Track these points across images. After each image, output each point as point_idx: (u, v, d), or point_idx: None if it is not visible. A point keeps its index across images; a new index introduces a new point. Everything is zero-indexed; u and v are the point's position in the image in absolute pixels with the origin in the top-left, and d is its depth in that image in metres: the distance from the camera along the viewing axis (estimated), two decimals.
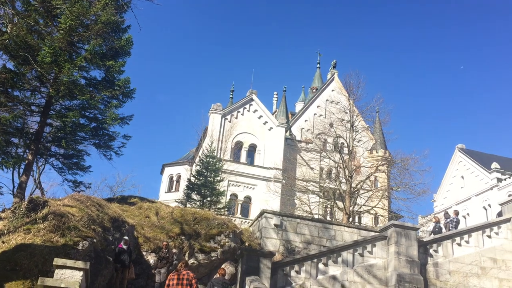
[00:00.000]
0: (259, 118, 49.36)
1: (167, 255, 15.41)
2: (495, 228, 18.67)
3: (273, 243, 17.83)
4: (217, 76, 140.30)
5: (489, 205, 51.43)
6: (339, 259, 16.68)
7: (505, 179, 50.58)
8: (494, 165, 52.57)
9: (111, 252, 14.35)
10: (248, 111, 49.42)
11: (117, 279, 14.25)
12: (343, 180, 32.06)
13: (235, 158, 46.67)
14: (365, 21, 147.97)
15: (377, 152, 48.55)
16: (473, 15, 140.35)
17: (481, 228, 18.82)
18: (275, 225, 17.97)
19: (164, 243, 15.78)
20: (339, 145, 36.37)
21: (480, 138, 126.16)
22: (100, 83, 19.00)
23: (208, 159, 31.61)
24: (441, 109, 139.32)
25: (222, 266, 15.92)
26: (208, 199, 29.45)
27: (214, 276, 13.47)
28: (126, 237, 14.66)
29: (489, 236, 18.48)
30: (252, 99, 49.95)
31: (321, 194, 36.01)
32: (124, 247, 14.26)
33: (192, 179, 32.33)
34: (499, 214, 20.96)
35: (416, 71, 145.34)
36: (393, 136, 66.31)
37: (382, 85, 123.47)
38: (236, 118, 48.52)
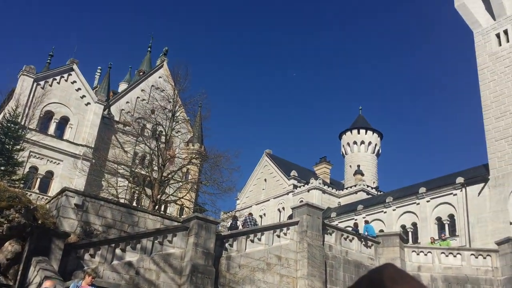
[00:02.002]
0: (77, 90, 46.09)
1: None
2: (285, 229, 20.62)
3: (70, 223, 16.74)
4: (37, 38, 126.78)
5: (283, 208, 56.78)
6: (138, 246, 16.50)
7: (299, 187, 56.41)
8: (293, 173, 58.25)
9: None
10: (66, 80, 45.75)
11: None
12: (156, 168, 31.90)
13: (43, 128, 42.74)
14: (209, 20, 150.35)
15: (193, 145, 49.55)
16: (297, 25, 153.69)
17: (274, 228, 20.60)
18: (75, 205, 16.89)
19: None
20: (157, 132, 36.11)
21: (287, 146, 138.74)
22: None
23: (9, 125, 28.31)
24: (262, 115, 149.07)
25: (6, 244, 14.37)
26: (2, 168, 26.37)
27: None
28: None
29: (279, 236, 20.32)
30: (72, 69, 46.37)
31: (130, 179, 35.22)
32: None
33: None
34: (290, 217, 23.29)
35: (249, 75, 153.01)
36: (211, 132, 68.68)
37: (213, 82, 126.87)
38: (51, 85, 44.47)
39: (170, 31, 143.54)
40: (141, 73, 59.46)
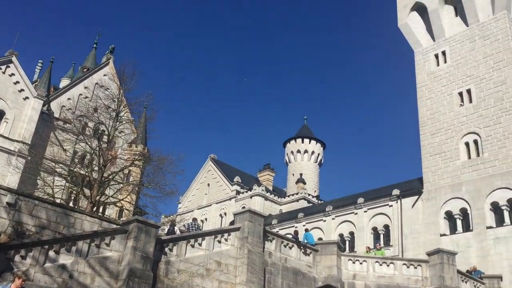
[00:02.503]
0: (15, 83, 44.00)
1: None
2: (226, 235, 20.59)
3: (1, 223, 15.90)
4: None
5: (225, 214, 56.73)
6: (73, 248, 15.93)
7: (242, 193, 56.59)
8: (237, 178, 58.39)
9: None
10: (4, 72, 43.57)
11: None
12: (96, 168, 30.97)
13: None
14: (158, 21, 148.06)
15: (136, 147, 48.55)
16: (251, 31, 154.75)
17: (215, 233, 20.51)
18: (7, 203, 16.07)
19: None
20: (100, 132, 35.11)
21: (232, 152, 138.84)
22: None
23: None
24: (209, 120, 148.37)
25: None
26: None
27: None
28: None
29: (219, 242, 20.26)
30: (11, 61, 44.23)
31: (68, 178, 33.98)
32: None
33: None
34: (232, 222, 23.30)
35: (198, 79, 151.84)
36: (156, 134, 67.57)
37: (161, 85, 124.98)
38: None
39: (118, 29, 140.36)
40: (85, 70, 57.66)
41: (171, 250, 18.63)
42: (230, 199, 57.34)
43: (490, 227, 31.40)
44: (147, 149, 46.26)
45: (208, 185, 61.58)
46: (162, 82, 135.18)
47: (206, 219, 58.59)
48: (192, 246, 19.29)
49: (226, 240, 20.52)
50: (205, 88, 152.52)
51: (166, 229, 25.11)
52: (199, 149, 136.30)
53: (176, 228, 23.29)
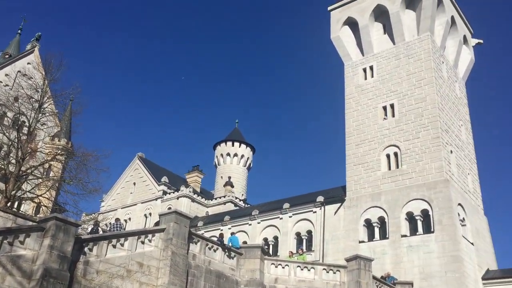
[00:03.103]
0: None
1: None
2: (150, 236, 20.20)
3: None
4: None
5: (150, 214, 55.57)
6: None
7: (169, 193, 55.75)
8: (164, 179, 57.45)
9: None
10: None
11: None
12: (13, 161, 29.23)
13: None
14: (90, 15, 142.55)
15: (59, 141, 46.40)
16: (193, 34, 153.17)
17: (139, 233, 20.05)
18: None
19: None
20: (19, 122, 33.18)
21: (162, 152, 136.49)
22: None
23: None
24: (140, 117, 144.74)
25: None
26: None
27: None
28: None
29: (143, 242, 19.83)
30: None
31: None
32: None
33: None
34: (157, 223, 22.89)
35: (132, 78, 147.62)
36: (82, 129, 64.91)
37: (92, 79, 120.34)
38: None
39: (47, 18, 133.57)
40: (7, 56, 54.35)
41: (91, 250, 17.98)
42: (156, 199, 56.27)
43: (405, 236, 33.19)
44: (71, 143, 44.32)
45: (134, 184, 60.07)
46: (93, 77, 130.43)
47: (130, 218, 57.08)
48: (114, 246, 18.73)
49: (150, 241, 20.13)
50: (138, 86, 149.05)
51: (89, 229, 24.18)
52: (129, 147, 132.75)
53: (99, 227, 22.50)
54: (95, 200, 63.27)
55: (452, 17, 42.28)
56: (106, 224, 24.13)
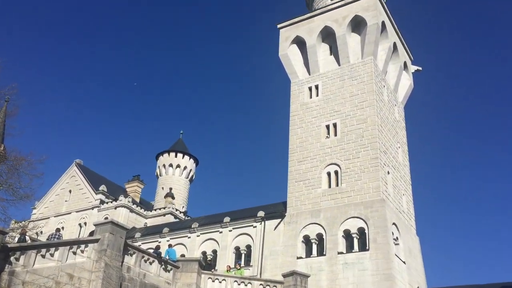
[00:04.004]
0: None
1: None
2: (83, 246, 19.43)
3: None
4: None
5: (85, 224, 53.58)
6: None
7: (107, 203, 54.06)
8: (103, 187, 55.70)
9: None
10: None
11: None
12: None
13: None
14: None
15: None
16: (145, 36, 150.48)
17: (71, 243, 19.24)
18: None
19: None
20: None
21: (102, 159, 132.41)
22: None
23: None
24: (80, 123, 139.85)
25: None
26: None
27: None
28: None
29: (75, 253, 19.04)
30: None
31: None
32: None
33: None
34: (91, 233, 22.06)
35: (77, 85, 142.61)
36: (17, 131, 61.66)
37: (32, 82, 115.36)
38: None
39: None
40: None
41: (17, 259, 17.04)
42: (92, 208, 54.37)
43: (341, 253, 33.85)
44: (4, 146, 42.00)
45: (70, 191, 57.79)
46: (32, 79, 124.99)
47: (63, 227, 54.71)
48: (43, 256, 17.86)
49: (82, 251, 19.36)
50: (80, 90, 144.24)
51: (17, 238, 22.92)
52: (67, 153, 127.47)
53: (26, 236, 21.38)
54: (26, 207, 60.12)
55: (394, 44, 44.24)
56: (36, 233, 22.95)
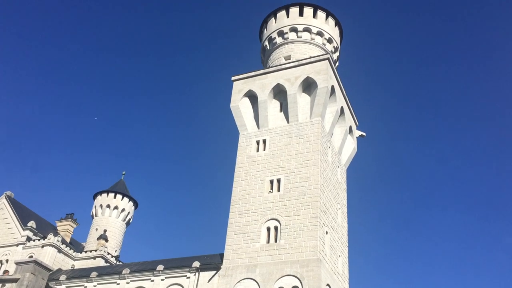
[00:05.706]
0: None
1: None
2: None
3: None
4: None
5: (7, 261, 49.95)
6: None
7: (34, 240, 50.96)
8: (31, 223, 52.69)
9: None
10: None
11: None
12: None
13: None
14: None
15: None
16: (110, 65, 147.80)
17: None
18: None
19: None
20: None
21: (36, 194, 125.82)
22: None
23: None
24: (15, 154, 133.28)
25: None
26: None
27: None
28: None
29: None
30: None
31: None
32: None
33: None
34: (5, 272, 20.56)
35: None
36: None
37: None
38: None
39: None
40: None
41: None
42: (17, 245, 50.96)
43: None
44: None
45: None
46: None
47: None
48: None
49: None
50: (14, 119, 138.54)
51: None
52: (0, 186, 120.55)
53: None
54: None
55: (342, 108, 45.99)
56: None
